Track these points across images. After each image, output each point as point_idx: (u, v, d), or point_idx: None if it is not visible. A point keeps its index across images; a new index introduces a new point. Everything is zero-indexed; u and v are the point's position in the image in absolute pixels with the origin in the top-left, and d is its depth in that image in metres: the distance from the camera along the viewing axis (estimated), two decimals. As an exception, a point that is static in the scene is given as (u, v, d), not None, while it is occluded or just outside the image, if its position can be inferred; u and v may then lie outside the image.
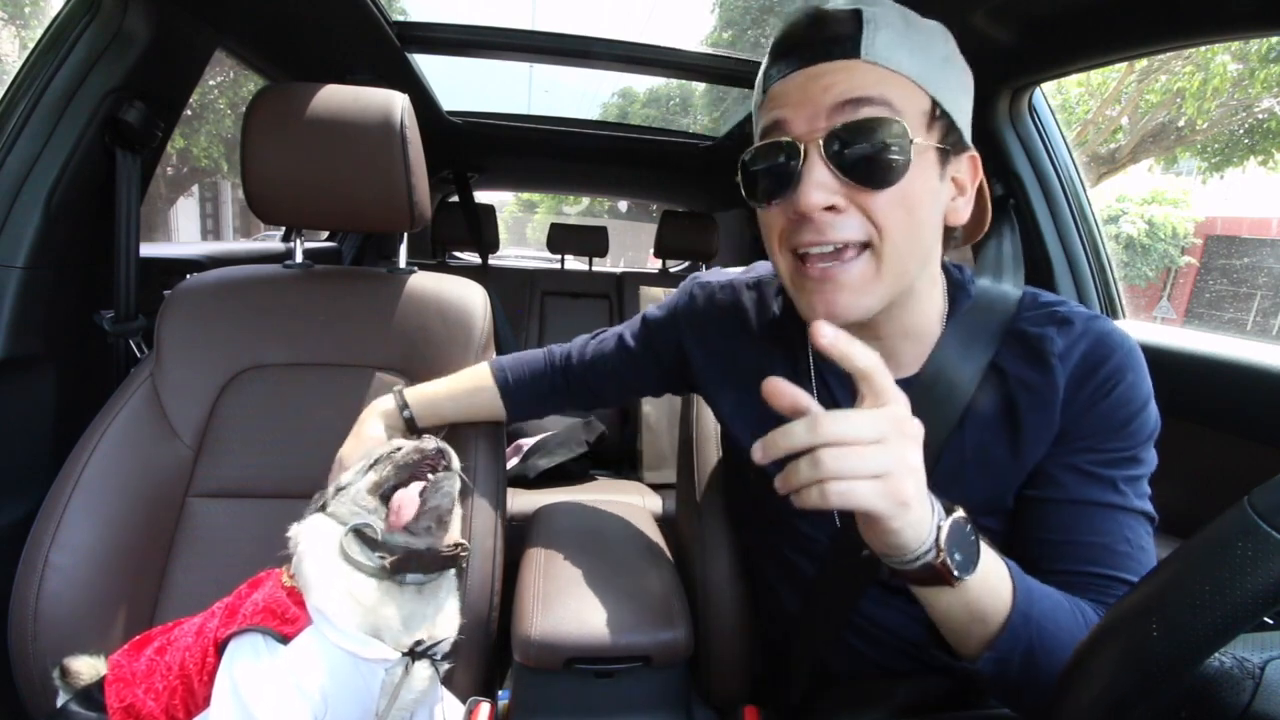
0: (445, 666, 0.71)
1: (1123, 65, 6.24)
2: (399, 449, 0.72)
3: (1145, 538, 0.57)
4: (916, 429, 0.44)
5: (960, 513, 0.47)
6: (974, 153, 0.59)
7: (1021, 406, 0.59)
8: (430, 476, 0.69)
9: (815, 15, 0.55)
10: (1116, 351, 0.58)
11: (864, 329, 0.59)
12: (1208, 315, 11.10)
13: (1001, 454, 0.60)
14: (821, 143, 0.52)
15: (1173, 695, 0.33)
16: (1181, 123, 7.26)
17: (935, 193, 0.56)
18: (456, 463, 0.72)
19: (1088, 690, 0.37)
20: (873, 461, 0.41)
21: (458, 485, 0.70)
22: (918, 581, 0.47)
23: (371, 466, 0.72)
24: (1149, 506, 0.58)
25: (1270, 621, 0.31)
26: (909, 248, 0.55)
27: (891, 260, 0.55)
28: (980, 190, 0.61)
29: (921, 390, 0.61)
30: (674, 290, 0.84)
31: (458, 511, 0.74)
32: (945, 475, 0.61)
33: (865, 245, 0.54)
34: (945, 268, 0.67)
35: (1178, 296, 11.21)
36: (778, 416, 0.69)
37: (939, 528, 0.45)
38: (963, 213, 0.60)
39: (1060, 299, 0.64)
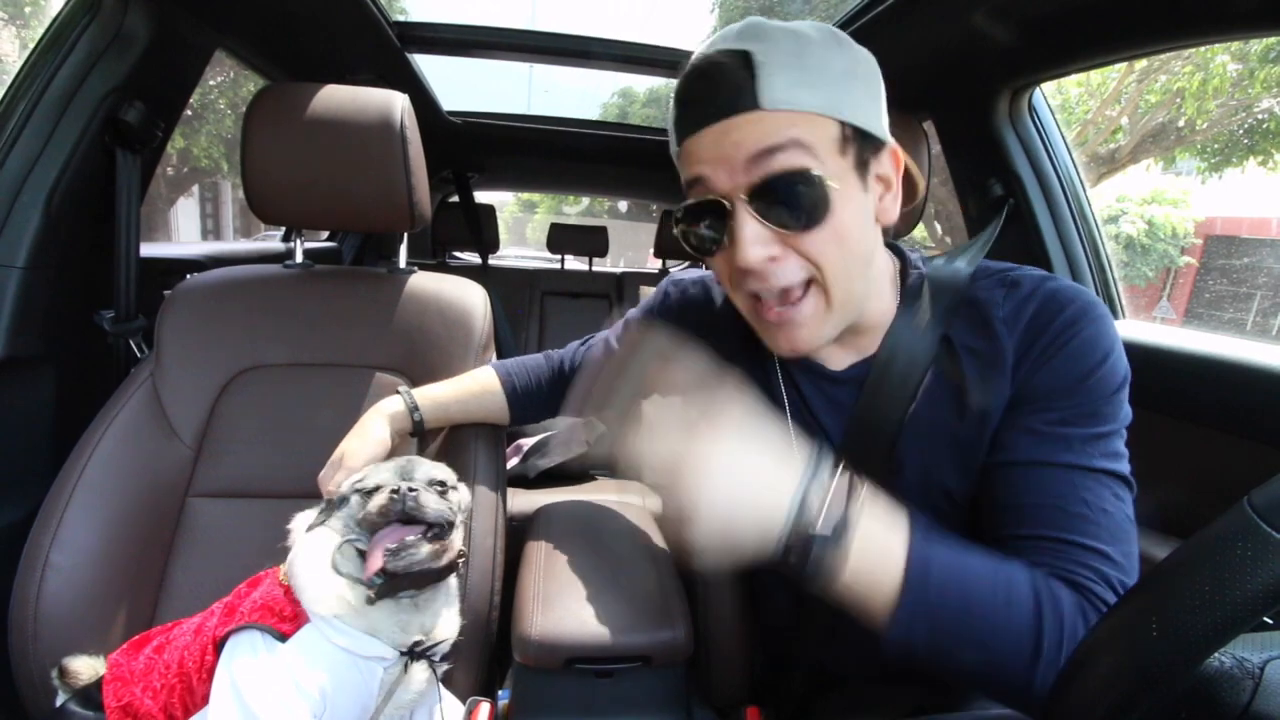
0: (444, 668, 0.71)
1: (1123, 65, 6.24)
2: (378, 489, 0.68)
3: (1109, 499, 0.53)
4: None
5: (811, 532, 0.47)
6: (893, 145, 0.59)
7: (969, 375, 0.59)
8: (398, 540, 0.65)
9: (705, 69, 0.55)
10: (1069, 306, 0.56)
11: None
12: (1207, 315, 11.10)
13: (956, 425, 0.60)
14: (745, 197, 0.54)
15: (1173, 695, 0.33)
16: (1181, 123, 7.25)
17: (861, 208, 0.56)
18: (435, 505, 0.67)
19: (1088, 689, 0.37)
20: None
21: (425, 550, 0.66)
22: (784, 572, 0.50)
23: (360, 491, 0.69)
24: (1118, 466, 0.54)
25: (1270, 621, 0.31)
26: (850, 272, 0.57)
27: (837, 289, 0.57)
28: (906, 171, 0.61)
29: (880, 369, 0.62)
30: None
31: (458, 535, 0.71)
32: (906, 450, 0.62)
33: (809, 282, 0.56)
34: (896, 249, 0.68)
35: (1177, 296, 11.21)
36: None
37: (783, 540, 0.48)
38: (892, 210, 0.60)
39: (1010, 265, 0.63)
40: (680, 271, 0.82)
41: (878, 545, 0.49)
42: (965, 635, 0.48)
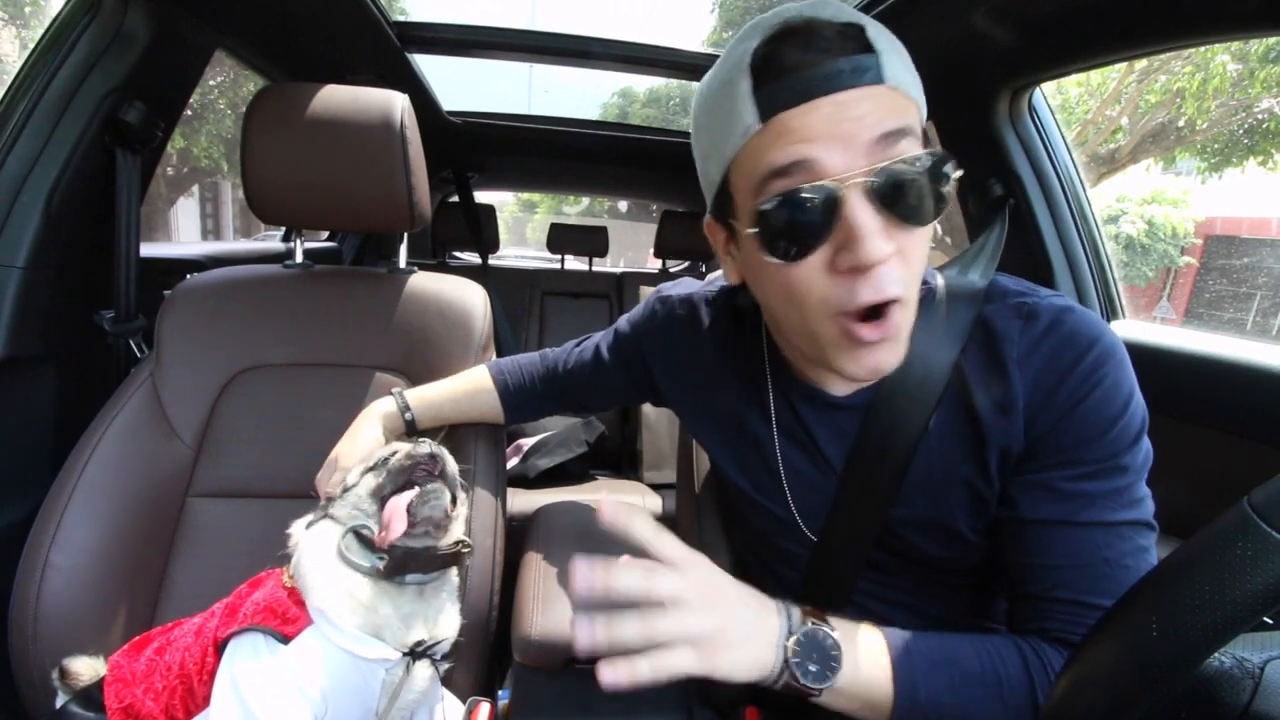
0: (445, 666, 0.71)
1: (1123, 65, 6.24)
2: (394, 453, 0.72)
3: (1130, 552, 0.52)
4: (712, 586, 0.48)
5: (809, 626, 0.49)
6: None
7: (984, 417, 0.55)
8: (421, 487, 0.68)
9: (808, 30, 0.48)
10: (1090, 350, 0.52)
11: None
12: (1207, 315, 11.11)
13: (968, 467, 0.57)
14: (867, 183, 0.47)
15: (1173, 695, 0.33)
16: (1181, 123, 7.26)
17: None
18: (452, 465, 0.72)
19: (1087, 690, 0.37)
20: (674, 631, 0.45)
21: (447, 497, 0.69)
22: (791, 694, 0.49)
23: (370, 469, 0.72)
24: (1139, 512, 0.52)
25: (1270, 621, 0.31)
26: (920, 277, 0.53)
27: (913, 300, 0.52)
28: None
29: (886, 395, 0.58)
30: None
31: (461, 511, 0.74)
32: (912, 488, 0.59)
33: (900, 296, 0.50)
34: None
35: (1177, 296, 11.22)
36: (741, 430, 0.69)
37: (785, 648, 0.48)
38: None
39: (1028, 288, 0.59)
40: (669, 286, 0.80)
41: (865, 672, 0.50)
42: None
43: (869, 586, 0.65)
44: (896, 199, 0.47)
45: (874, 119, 0.47)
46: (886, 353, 0.51)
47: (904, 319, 0.51)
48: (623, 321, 0.84)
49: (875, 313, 0.49)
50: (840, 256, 0.48)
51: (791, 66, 0.47)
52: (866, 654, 0.51)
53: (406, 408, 0.87)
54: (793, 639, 0.49)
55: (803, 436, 0.65)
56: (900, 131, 0.47)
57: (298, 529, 0.72)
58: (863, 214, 0.46)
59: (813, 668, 0.48)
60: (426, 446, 0.71)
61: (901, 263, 0.49)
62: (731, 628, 0.47)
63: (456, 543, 0.72)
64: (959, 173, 0.50)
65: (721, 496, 0.87)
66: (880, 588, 0.65)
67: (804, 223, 0.48)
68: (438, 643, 0.69)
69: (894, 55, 0.49)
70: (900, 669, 0.50)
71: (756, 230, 0.50)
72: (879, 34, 0.49)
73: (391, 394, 0.88)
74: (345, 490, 0.72)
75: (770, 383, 0.67)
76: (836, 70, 0.46)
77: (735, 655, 0.47)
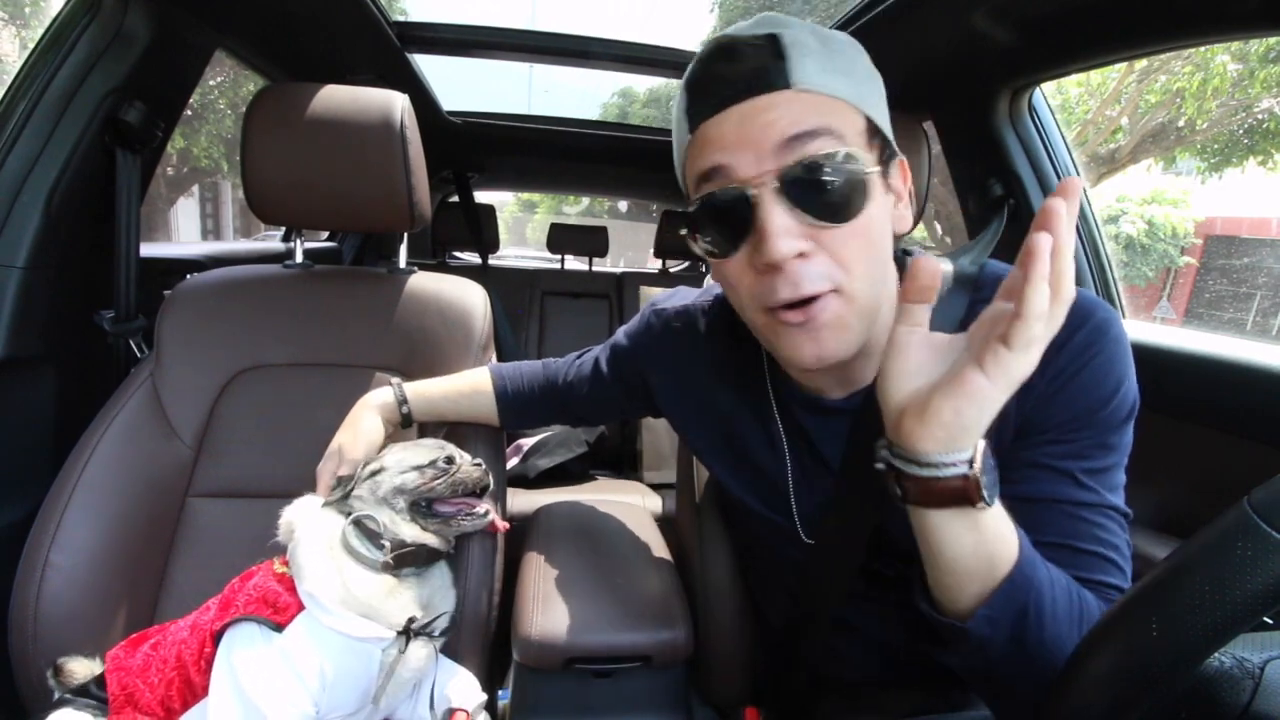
0: (441, 641, 0.73)
1: (1123, 65, 6.24)
2: (458, 465, 0.77)
3: (1117, 533, 0.52)
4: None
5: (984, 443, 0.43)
6: (901, 158, 0.56)
7: None
8: (472, 507, 0.77)
9: (730, 47, 0.51)
10: (1081, 328, 0.52)
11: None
12: (1207, 315, 11.10)
13: None
14: (776, 184, 0.49)
15: (1173, 695, 0.33)
16: (1181, 123, 7.25)
17: (884, 209, 0.53)
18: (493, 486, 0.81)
19: (1087, 690, 0.37)
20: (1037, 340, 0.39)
21: (486, 518, 0.77)
22: (938, 501, 0.43)
23: (419, 468, 0.75)
24: (1119, 499, 0.53)
25: (1270, 621, 0.31)
26: (873, 275, 0.53)
27: (862, 296, 0.52)
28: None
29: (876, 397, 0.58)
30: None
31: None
32: None
33: (832, 291, 0.51)
34: (897, 256, 0.63)
35: (1177, 296, 11.21)
36: (738, 440, 0.69)
37: (979, 444, 0.42)
38: (906, 219, 0.57)
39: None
40: (663, 299, 0.80)
41: (1003, 516, 0.45)
42: (1046, 635, 0.45)
43: (863, 589, 0.66)
44: (808, 198, 0.49)
45: (782, 124, 0.49)
46: (826, 337, 0.52)
47: (838, 310, 0.51)
48: (620, 334, 0.84)
49: (805, 302, 0.51)
50: (755, 255, 0.51)
51: (710, 80, 0.52)
52: (1002, 508, 0.45)
53: (404, 400, 0.87)
54: (982, 443, 0.42)
55: (802, 443, 0.65)
56: (811, 133, 0.49)
57: (289, 513, 0.73)
58: (772, 214, 0.49)
59: (986, 478, 0.42)
60: (482, 472, 0.78)
61: (827, 259, 0.50)
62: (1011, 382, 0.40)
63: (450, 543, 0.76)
64: (876, 168, 0.51)
65: (722, 497, 0.87)
66: (875, 589, 0.66)
67: (723, 223, 0.52)
68: (434, 619, 0.71)
69: (810, 59, 0.50)
70: (1024, 538, 0.46)
71: (688, 229, 0.55)
72: (795, 40, 0.50)
73: (390, 385, 0.88)
74: (375, 473, 0.75)
75: (771, 393, 0.66)
76: (743, 80, 0.50)
77: (984, 403, 0.40)
